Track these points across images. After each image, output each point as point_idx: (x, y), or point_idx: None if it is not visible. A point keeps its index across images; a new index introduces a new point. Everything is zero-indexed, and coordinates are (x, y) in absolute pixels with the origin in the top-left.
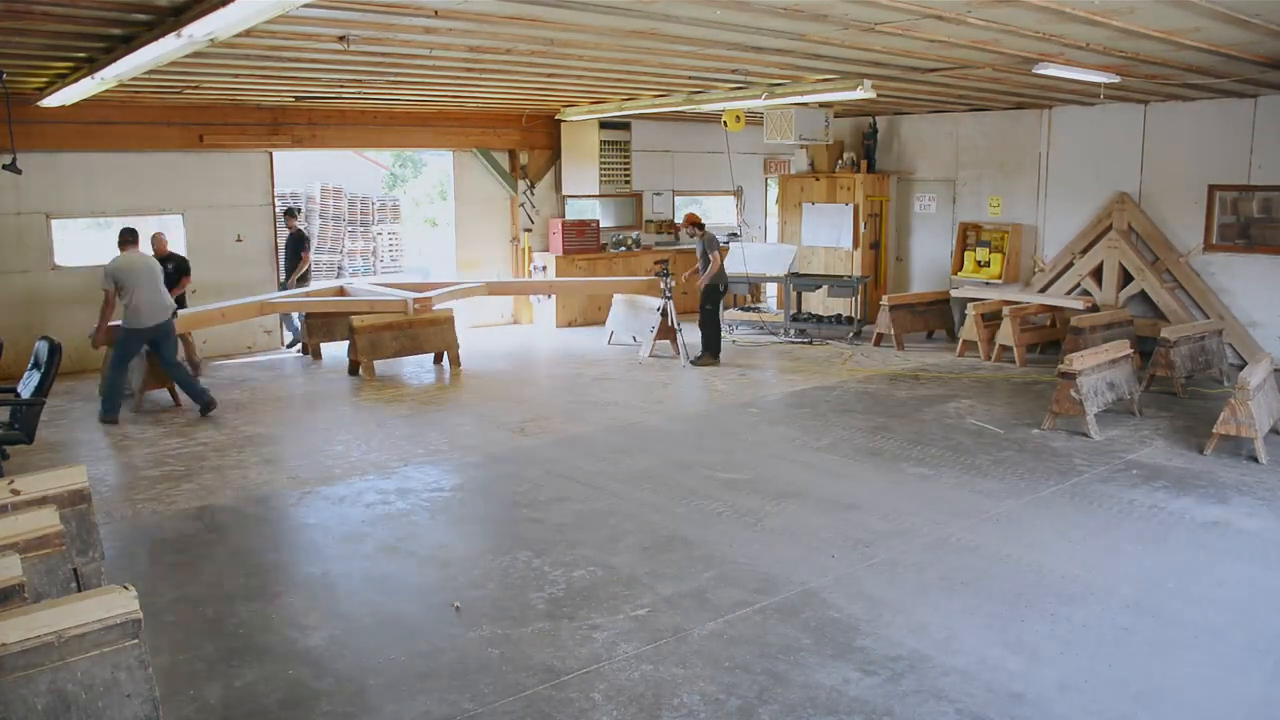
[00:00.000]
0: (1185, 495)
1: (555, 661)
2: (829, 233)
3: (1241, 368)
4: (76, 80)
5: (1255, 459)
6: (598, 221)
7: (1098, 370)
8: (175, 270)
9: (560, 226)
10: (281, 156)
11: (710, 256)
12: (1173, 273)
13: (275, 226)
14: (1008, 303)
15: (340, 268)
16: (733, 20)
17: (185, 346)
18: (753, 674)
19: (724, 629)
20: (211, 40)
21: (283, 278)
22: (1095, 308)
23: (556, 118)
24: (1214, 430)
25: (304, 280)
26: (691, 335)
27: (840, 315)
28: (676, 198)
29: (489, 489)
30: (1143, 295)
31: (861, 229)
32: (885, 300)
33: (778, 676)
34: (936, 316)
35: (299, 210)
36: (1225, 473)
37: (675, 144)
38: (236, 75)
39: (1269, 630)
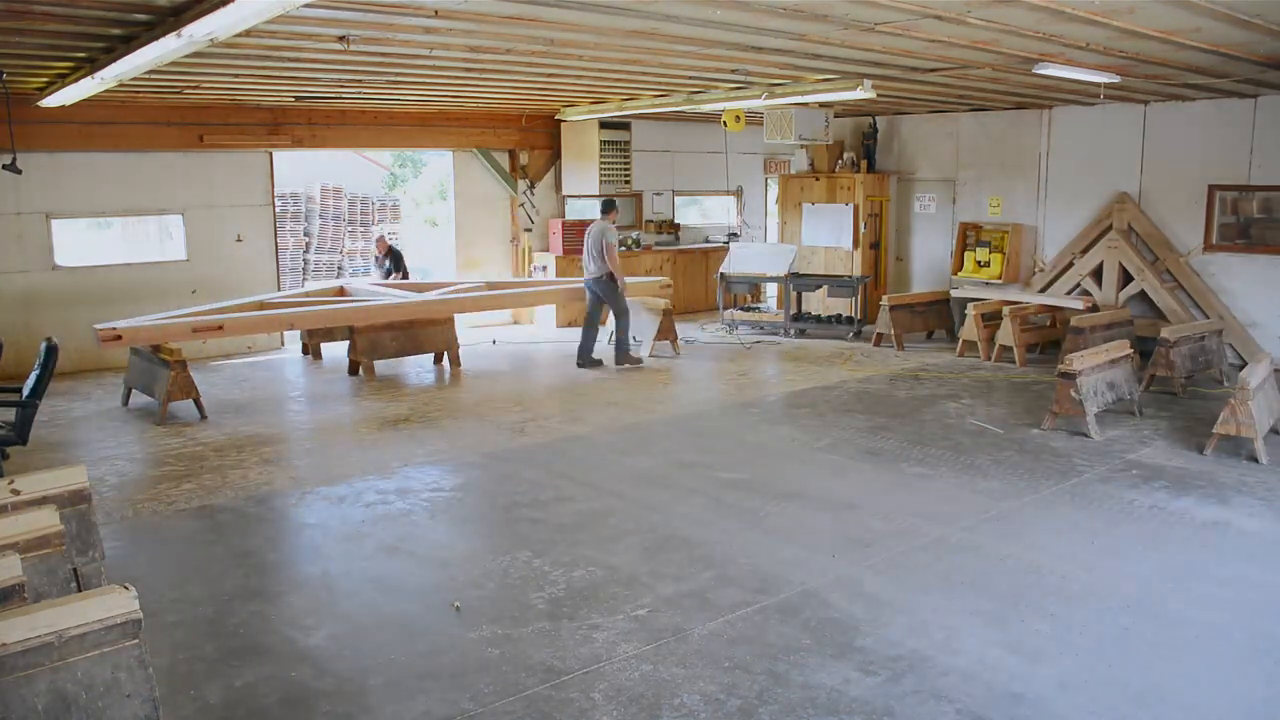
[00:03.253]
0: (1185, 495)
1: (555, 661)
2: (829, 233)
3: (1241, 368)
4: (76, 80)
5: (1255, 459)
6: None
7: (1097, 370)
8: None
9: (560, 226)
10: (281, 156)
11: None
12: (1173, 273)
13: (275, 227)
14: (1008, 303)
15: (340, 268)
16: (733, 20)
17: None
18: (753, 674)
19: (724, 629)
20: (211, 40)
21: None
22: (1095, 308)
23: (556, 118)
24: (1214, 430)
25: None
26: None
27: (840, 315)
28: (676, 198)
29: (489, 489)
30: (1143, 295)
31: (861, 229)
32: (885, 300)
33: (778, 676)
34: (936, 316)
35: None
36: (1225, 473)
37: (675, 144)
38: (236, 75)
39: (1269, 630)
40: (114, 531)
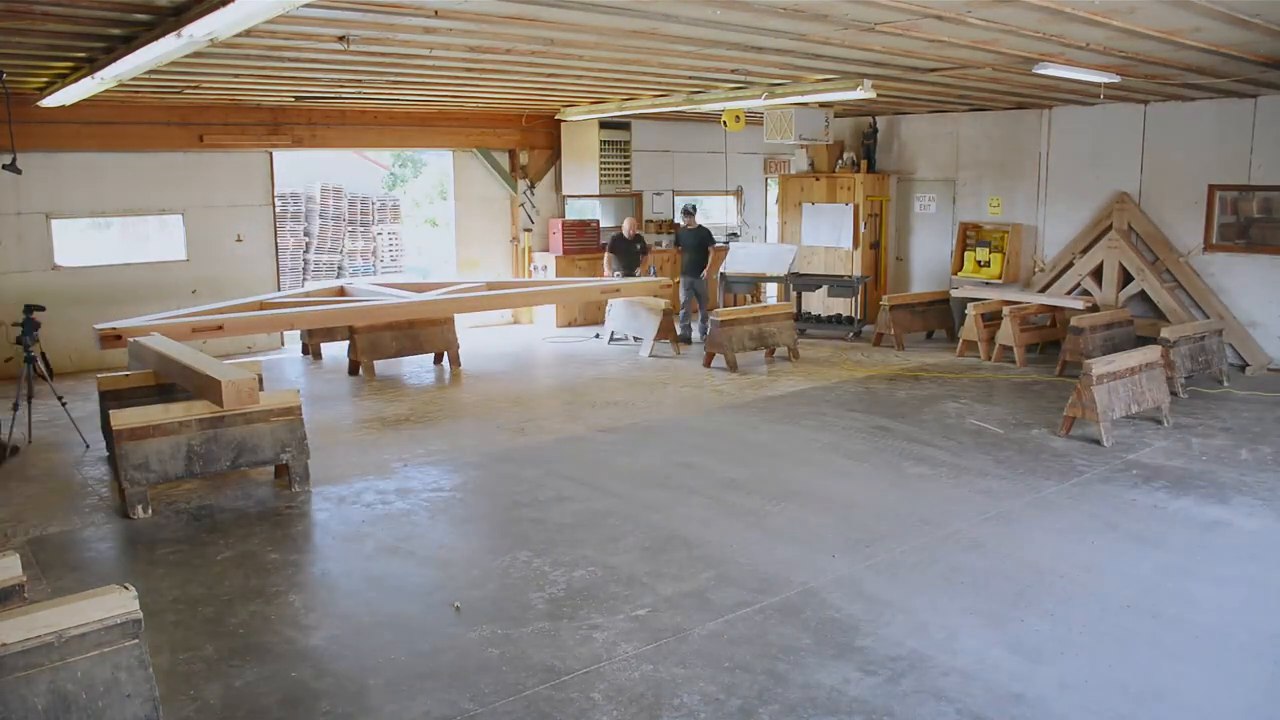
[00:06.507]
0: (1185, 495)
1: (555, 661)
2: (829, 233)
3: (1243, 368)
4: (76, 80)
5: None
6: (598, 221)
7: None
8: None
9: (560, 226)
10: (281, 156)
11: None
12: (1173, 273)
13: (275, 227)
14: (1008, 303)
15: (340, 268)
16: (733, 20)
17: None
18: (753, 674)
19: (724, 629)
20: (211, 40)
21: None
22: (1095, 308)
23: (556, 118)
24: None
25: None
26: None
27: (840, 315)
28: (676, 197)
29: (489, 489)
30: (1143, 295)
31: (861, 229)
32: (885, 300)
33: (778, 676)
34: (936, 316)
35: None
36: (1225, 473)
37: (675, 144)
38: (236, 75)
39: (1269, 630)
40: (114, 530)
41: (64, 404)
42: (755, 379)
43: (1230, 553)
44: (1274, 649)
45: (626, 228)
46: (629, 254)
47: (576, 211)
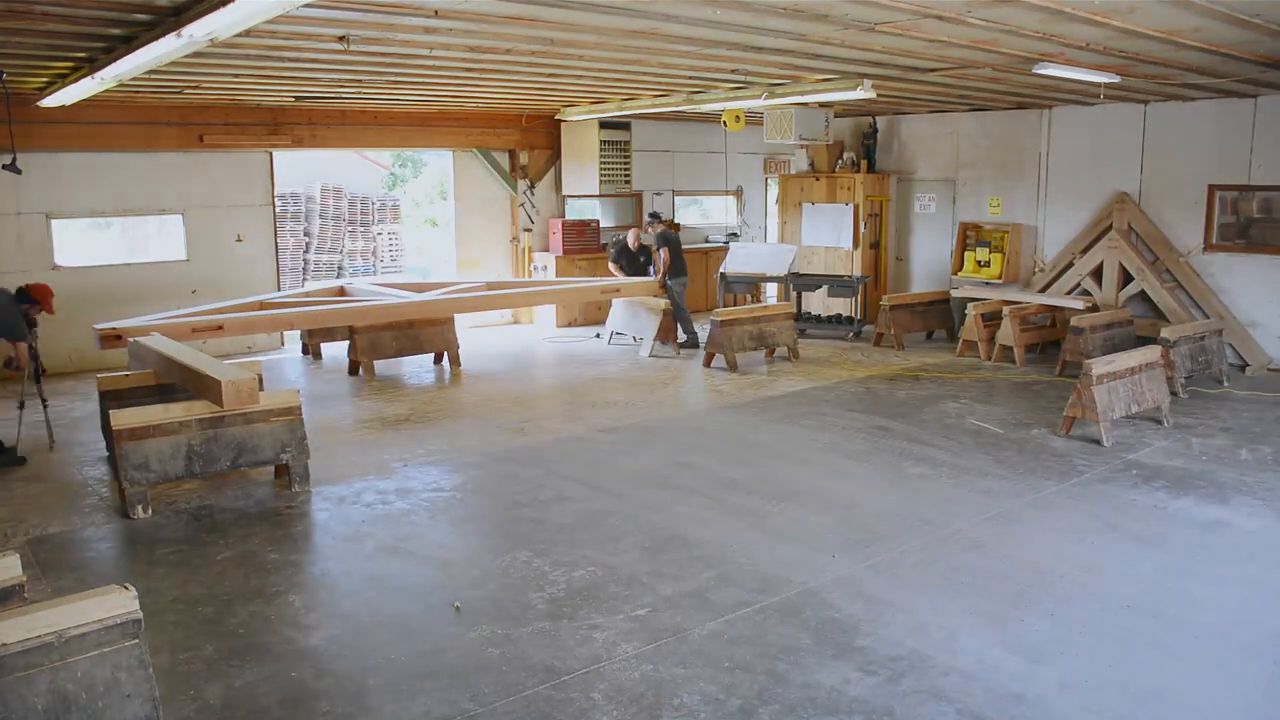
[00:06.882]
0: (1185, 495)
1: (555, 661)
2: (829, 233)
3: (1242, 368)
4: (76, 80)
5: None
6: (598, 221)
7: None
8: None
9: (560, 226)
10: (281, 156)
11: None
12: (1173, 273)
13: (275, 227)
14: (1008, 303)
15: (340, 268)
16: (733, 20)
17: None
18: (753, 674)
19: (724, 629)
20: (211, 40)
21: None
22: (1095, 308)
23: (556, 118)
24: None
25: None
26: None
27: (840, 315)
28: (676, 198)
29: (489, 489)
30: (1143, 295)
31: (861, 229)
32: (885, 300)
33: (778, 676)
34: (936, 316)
35: None
36: (1225, 473)
37: (675, 144)
38: (236, 75)
39: (1269, 630)
40: (114, 530)
41: (45, 405)
42: (755, 379)
43: (1230, 553)
44: (1274, 649)
45: (631, 239)
46: (635, 267)
47: (576, 211)
